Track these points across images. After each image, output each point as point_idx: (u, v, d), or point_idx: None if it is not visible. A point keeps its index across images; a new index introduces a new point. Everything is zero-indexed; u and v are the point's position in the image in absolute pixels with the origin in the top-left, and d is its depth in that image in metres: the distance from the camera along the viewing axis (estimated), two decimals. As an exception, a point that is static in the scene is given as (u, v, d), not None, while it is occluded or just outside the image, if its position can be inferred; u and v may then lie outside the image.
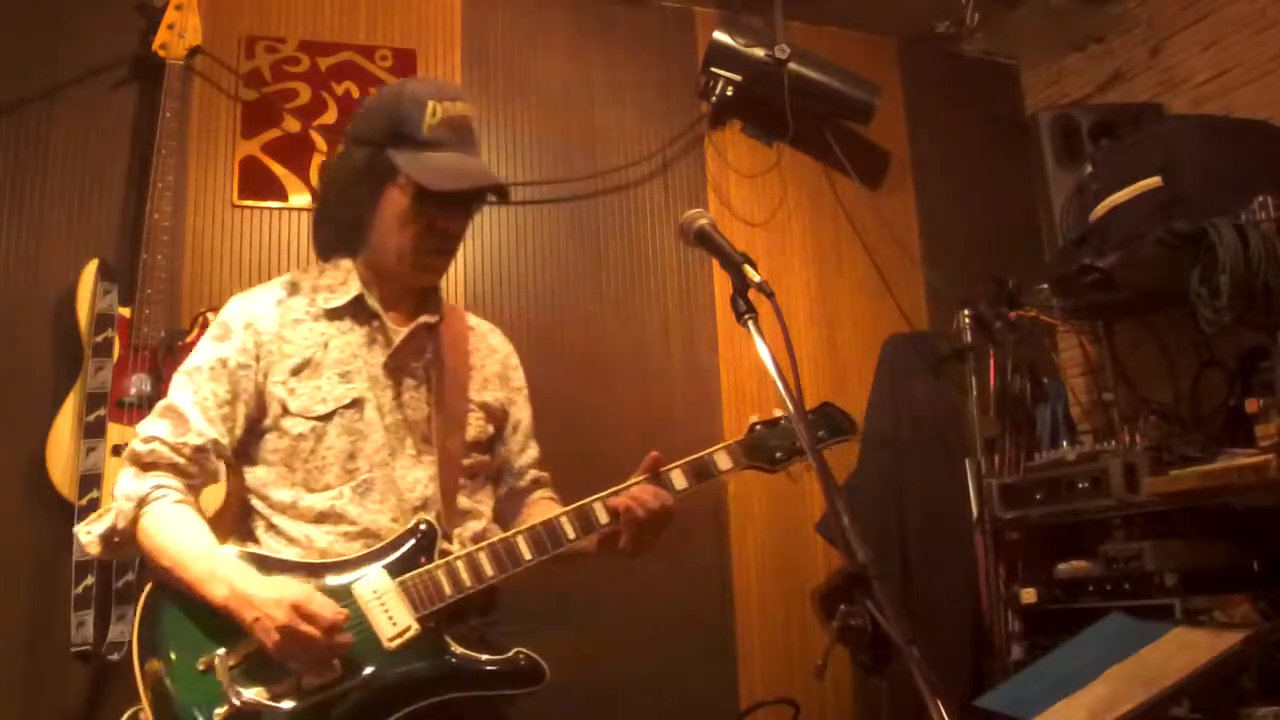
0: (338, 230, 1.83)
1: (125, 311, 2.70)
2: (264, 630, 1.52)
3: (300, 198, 3.09)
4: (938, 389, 3.36)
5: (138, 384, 2.64)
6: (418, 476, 1.74)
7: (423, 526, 1.69)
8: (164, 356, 2.65)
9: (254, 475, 1.74)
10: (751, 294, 1.52)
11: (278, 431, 1.72)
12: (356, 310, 1.79)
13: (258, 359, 1.73)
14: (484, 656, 1.66)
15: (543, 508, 1.92)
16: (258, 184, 3.05)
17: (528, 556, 1.70)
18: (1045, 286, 3.23)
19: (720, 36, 3.47)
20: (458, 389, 1.83)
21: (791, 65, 3.47)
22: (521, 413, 1.97)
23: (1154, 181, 2.77)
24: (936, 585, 3.13)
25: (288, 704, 1.54)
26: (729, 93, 3.49)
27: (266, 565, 1.63)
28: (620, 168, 3.46)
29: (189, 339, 2.70)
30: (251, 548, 1.68)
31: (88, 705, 2.60)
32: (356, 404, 1.73)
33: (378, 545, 1.68)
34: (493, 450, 1.90)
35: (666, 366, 3.36)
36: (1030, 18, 3.76)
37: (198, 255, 2.99)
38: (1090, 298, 2.99)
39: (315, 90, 3.17)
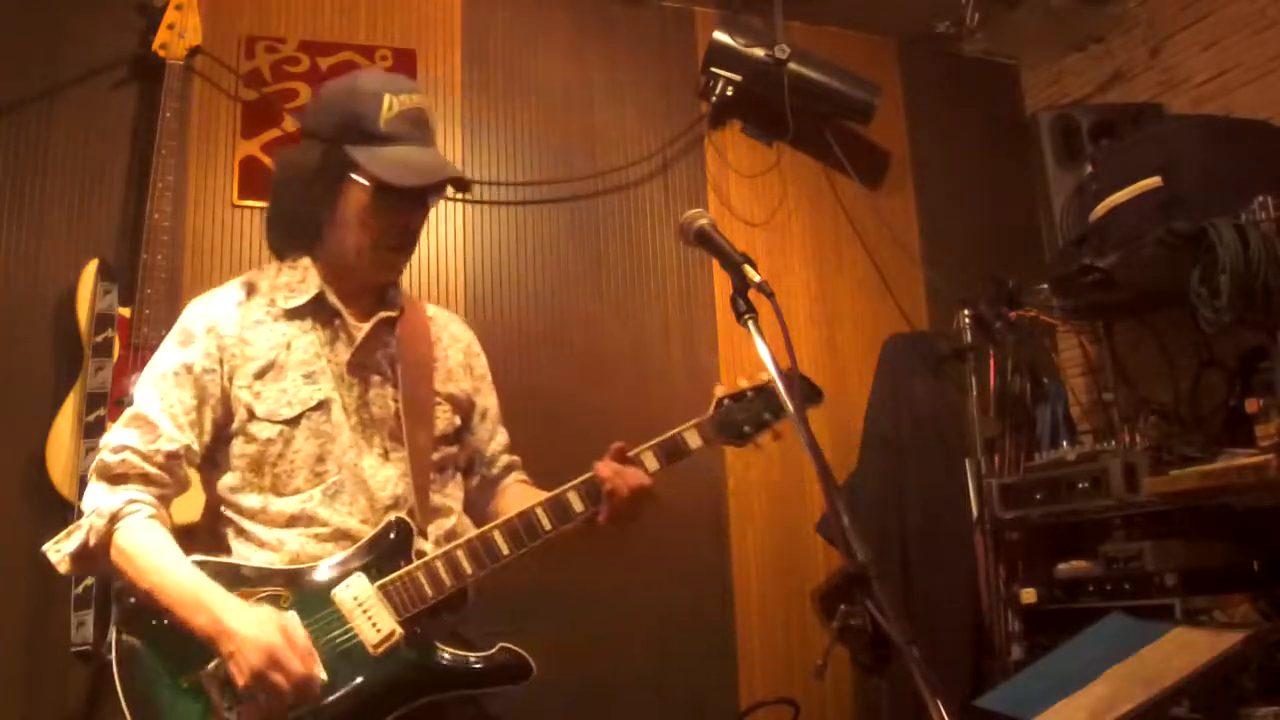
0: (294, 228, 1.80)
1: (125, 311, 2.70)
2: (236, 667, 1.50)
3: (300, 198, 3.09)
4: (938, 389, 3.36)
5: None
6: (388, 475, 1.72)
7: (397, 526, 1.67)
8: (164, 356, 2.65)
9: (222, 482, 1.72)
10: (751, 294, 1.52)
11: (244, 436, 1.70)
12: (317, 309, 1.76)
13: (221, 363, 1.71)
14: (470, 655, 1.66)
15: (517, 492, 1.91)
16: (258, 184, 3.05)
17: (505, 551, 1.69)
18: (1045, 286, 3.23)
19: (720, 36, 3.47)
20: (422, 383, 1.81)
21: (791, 65, 3.46)
22: (488, 400, 1.96)
23: (1154, 181, 2.77)
24: (936, 585, 3.13)
25: (276, 717, 1.54)
26: (729, 93, 3.49)
27: (239, 576, 1.62)
28: (620, 168, 3.46)
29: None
30: (222, 557, 1.66)
31: (88, 705, 2.60)
32: (323, 405, 1.70)
33: (353, 548, 1.66)
34: (460, 441, 1.88)
35: (666, 366, 3.35)
36: (1030, 18, 3.76)
37: (198, 255, 2.99)
38: (1090, 298, 2.99)
39: (315, 90, 3.16)
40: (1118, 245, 2.82)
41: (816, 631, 3.29)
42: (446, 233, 3.23)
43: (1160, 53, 3.50)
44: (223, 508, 1.72)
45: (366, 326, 1.77)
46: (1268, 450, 2.46)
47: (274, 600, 1.59)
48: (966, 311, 3.37)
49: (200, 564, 1.62)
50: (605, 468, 1.73)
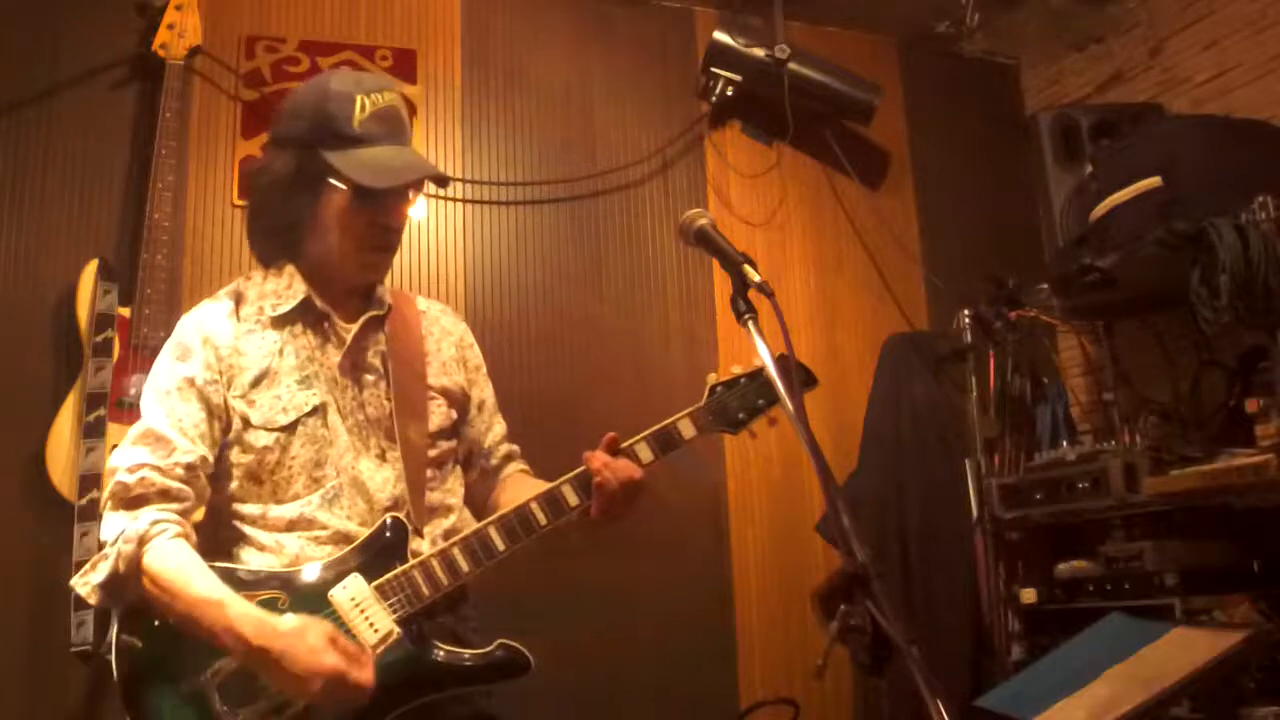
0: (275, 234, 1.78)
1: (125, 311, 2.70)
2: (290, 689, 1.49)
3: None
4: (938, 389, 3.36)
5: (138, 384, 2.64)
6: (385, 476, 1.71)
7: (392, 526, 1.67)
8: (164, 356, 2.65)
9: (221, 491, 1.71)
10: (751, 294, 1.51)
11: (241, 446, 1.68)
12: (305, 314, 1.75)
13: (220, 373, 1.69)
14: (467, 652, 1.65)
15: (517, 483, 1.90)
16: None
17: (501, 547, 1.68)
18: (1045, 286, 3.23)
19: (720, 36, 3.47)
20: (415, 379, 1.80)
21: (791, 65, 3.46)
22: (484, 391, 1.94)
23: (1154, 181, 2.77)
24: (936, 585, 3.13)
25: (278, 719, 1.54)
26: (729, 93, 3.49)
27: (235, 579, 1.60)
28: (620, 168, 3.46)
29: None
30: (220, 562, 1.64)
31: (88, 705, 2.60)
32: (318, 410, 1.69)
33: (349, 548, 1.65)
34: (458, 434, 1.87)
35: (666, 366, 3.35)
36: (1030, 18, 3.76)
37: (198, 255, 2.99)
38: (1090, 298, 2.99)
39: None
40: (1118, 245, 2.82)
41: (816, 631, 3.28)
42: (446, 233, 3.23)
43: (1160, 53, 3.50)
44: (223, 513, 1.72)
45: (355, 327, 1.76)
46: (1268, 450, 2.46)
47: (271, 603, 1.58)
48: (966, 311, 3.37)
49: None
50: (596, 460, 1.71)
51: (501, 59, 3.42)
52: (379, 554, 1.65)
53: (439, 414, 1.81)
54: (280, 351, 1.72)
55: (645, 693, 3.02)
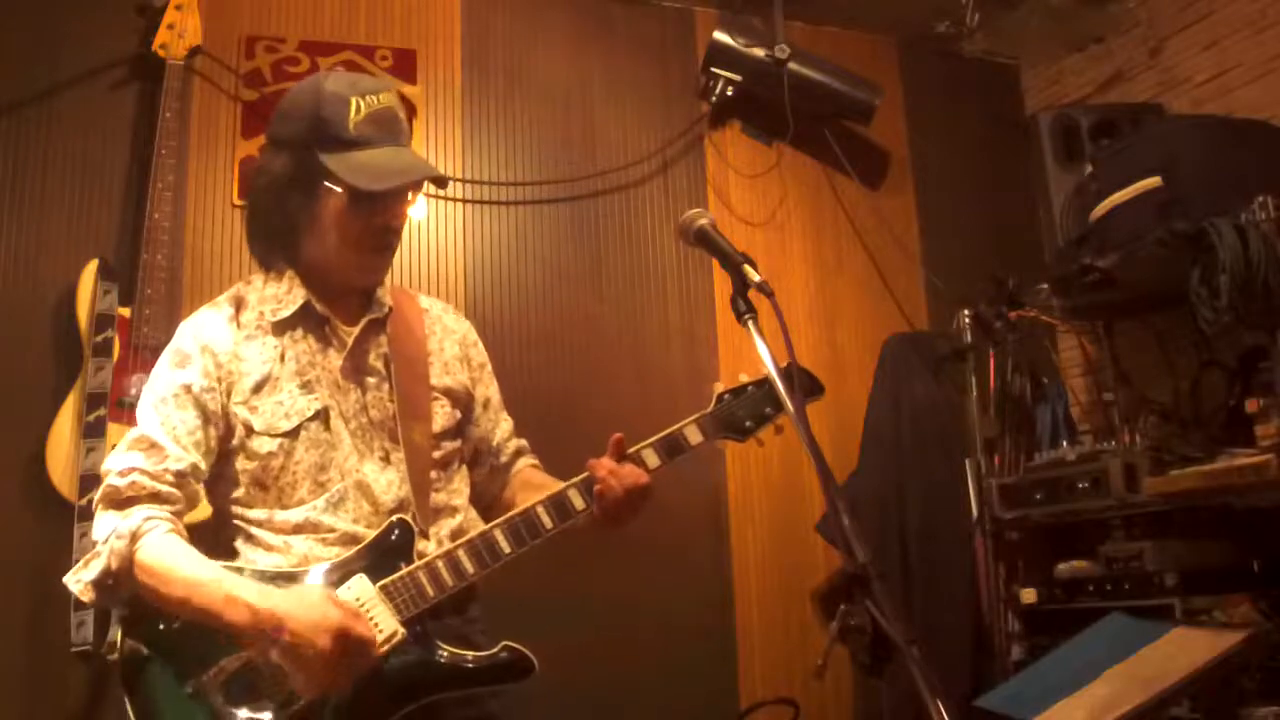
0: (274, 238, 1.77)
1: (125, 311, 2.70)
2: (299, 658, 1.50)
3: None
4: (938, 389, 3.36)
5: (138, 384, 2.64)
6: (390, 479, 1.71)
7: (398, 528, 1.67)
8: (164, 356, 2.65)
9: (226, 497, 1.71)
10: (751, 294, 1.52)
11: (245, 453, 1.69)
12: (305, 318, 1.75)
13: (219, 380, 1.69)
14: (470, 654, 1.66)
15: (527, 479, 1.91)
16: (258, 184, 3.05)
17: (506, 550, 1.68)
18: (1045, 286, 3.23)
19: (720, 36, 3.47)
20: (418, 380, 1.79)
21: (791, 65, 3.46)
22: (489, 389, 1.94)
23: (1154, 181, 2.77)
24: (936, 585, 3.13)
25: (281, 719, 1.54)
26: (729, 93, 3.49)
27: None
28: (620, 168, 3.46)
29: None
30: (226, 562, 1.64)
31: (88, 705, 2.60)
32: (320, 415, 1.69)
33: (355, 549, 1.66)
34: (463, 435, 1.87)
35: (666, 366, 3.36)
36: (1030, 18, 3.76)
37: (198, 255, 2.99)
38: (1090, 298, 2.99)
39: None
40: (1118, 245, 2.82)
41: (816, 631, 3.29)
42: (446, 233, 3.23)
43: (1160, 53, 3.50)
44: (229, 517, 1.72)
45: (355, 330, 1.76)
46: (1268, 450, 2.46)
47: None
48: (966, 311, 3.37)
49: None
50: (601, 466, 1.72)
51: (501, 59, 3.42)
52: (385, 555, 1.65)
53: (442, 415, 1.81)
54: (281, 357, 1.72)
55: (645, 693, 3.02)
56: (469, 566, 1.66)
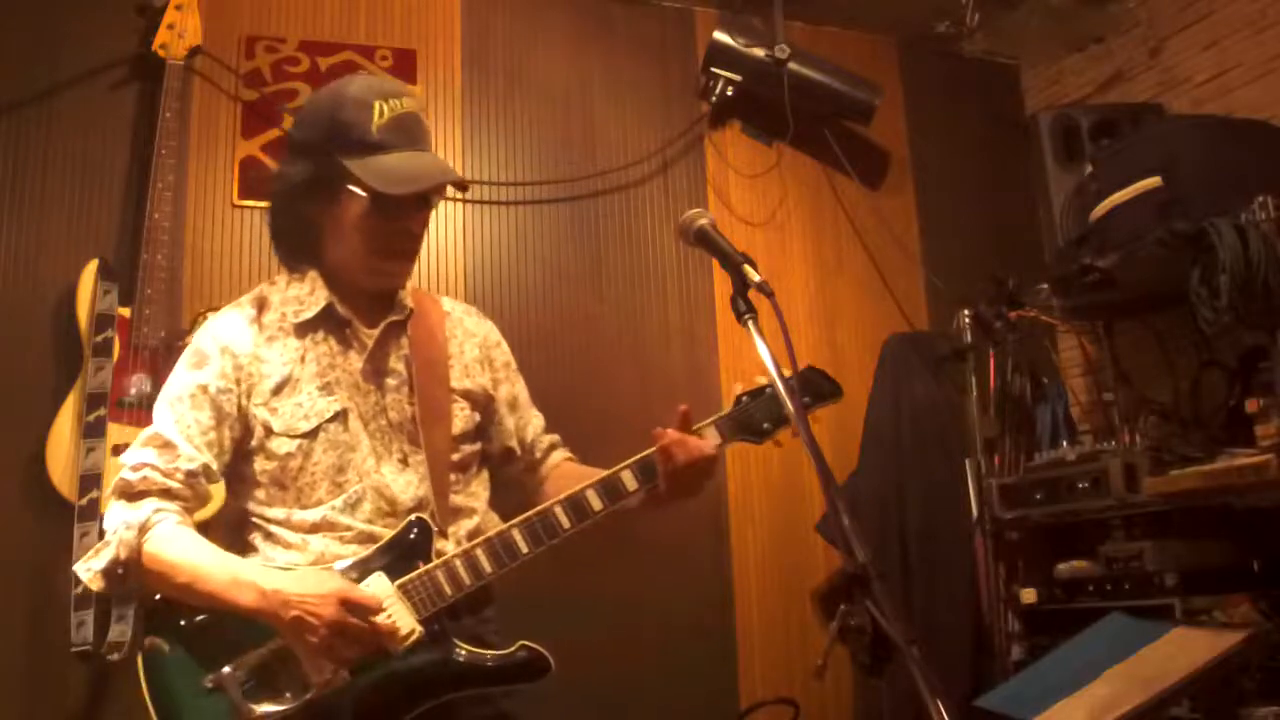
0: (297, 240, 1.79)
1: (125, 311, 2.70)
2: (307, 628, 1.51)
3: (300, 198, 3.09)
4: (938, 389, 3.36)
5: (138, 384, 2.64)
6: (408, 479, 1.72)
7: (416, 527, 1.68)
8: (164, 357, 2.65)
9: (244, 497, 1.73)
10: (751, 294, 1.52)
11: (264, 454, 1.70)
12: (327, 320, 1.76)
13: (238, 382, 1.70)
14: (488, 653, 1.66)
15: (564, 473, 1.91)
16: (258, 184, 3.05)
17: (524, 550, 1.69)
18: (1045, 286, 3.23)
19: (720, 36, 3.47)
20: (437, 382, 1.80)
21: (791, 65, 3.46)
22: (515, 387, 1.94)
23: (1154, 181, 2.77)
24: (936, 585, 3.13)
25: (299, 713, 1.55)
26: (729, 93, 3.49)
27: None
28: (620, 168, 3.46)
29: (189, 339, 2.70)
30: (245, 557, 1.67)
31: (88, 705, 2.60)
32: (339, 416, 1.70)
33: (374, 548, 1.67)
34: (485, 436, 1.88)
35: (666, 366, 3.36)
36: (1030, 18, 3.76)
37: (198, 255, 2.99)
38: (1090, 298, 2.99)
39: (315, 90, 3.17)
40: (1118, 245, 2.82)
41: (816, 631, 3.29)
42: (446, 233, 3.23)
43: (1160, 53, 3.50)
44: (247, 515, 1.73)
45: (376, 332, 1.77)
46: (1268, 450, 2.46)
47: None
48: (966, 311, 3.37)
49: None
50: (668, 435, 1.73)
51: (501, 59, 3.42)
52: (403, 554, 1.66)
53: (462, 417, 1.82)
54: (302, 359, 1.73)
55: (645, 692, 3.02)
56: (487, 566, 1.67)
